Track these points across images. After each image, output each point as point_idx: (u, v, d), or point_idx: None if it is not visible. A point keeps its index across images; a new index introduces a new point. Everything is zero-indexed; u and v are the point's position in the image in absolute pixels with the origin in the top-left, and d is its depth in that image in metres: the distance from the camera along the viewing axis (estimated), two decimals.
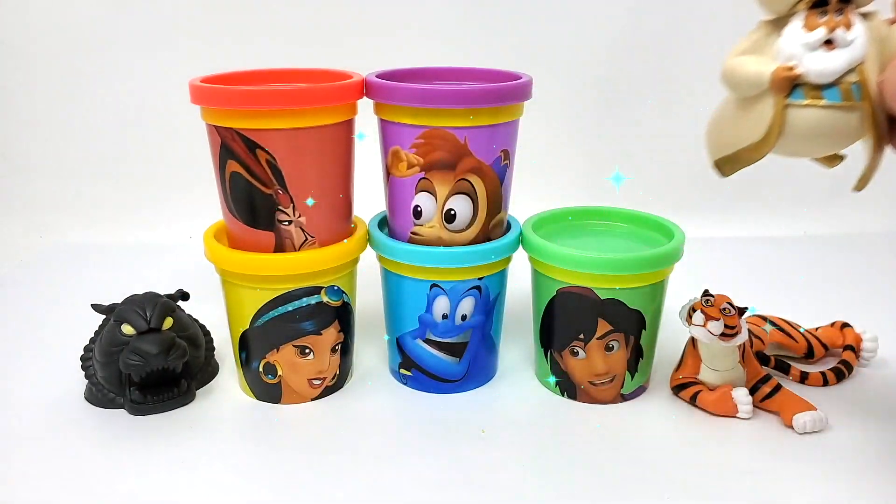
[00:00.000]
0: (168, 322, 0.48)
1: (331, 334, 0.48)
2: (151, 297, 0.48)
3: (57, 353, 0.55)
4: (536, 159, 0.76)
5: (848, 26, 0.25)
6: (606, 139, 0.87)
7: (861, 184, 0.30)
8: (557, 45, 0.84)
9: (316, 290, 0.47)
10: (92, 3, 0.82)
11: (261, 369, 0.49)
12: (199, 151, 0.50)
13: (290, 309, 0.47)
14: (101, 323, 0.50)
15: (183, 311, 0.51)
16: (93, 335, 0.50)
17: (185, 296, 0.51)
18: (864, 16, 0.26)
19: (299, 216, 0.46)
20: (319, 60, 0.54)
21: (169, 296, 0.50)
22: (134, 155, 0.86)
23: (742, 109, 0.28)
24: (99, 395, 0.48)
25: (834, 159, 0.32)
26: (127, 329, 0.46)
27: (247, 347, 0.49)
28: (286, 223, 0.46)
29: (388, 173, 0.49)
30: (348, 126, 0.47)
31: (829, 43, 0.25)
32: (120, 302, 0.48)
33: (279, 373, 0.48)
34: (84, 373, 0.49)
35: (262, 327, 0.47)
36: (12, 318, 0.63)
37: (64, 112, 0.86)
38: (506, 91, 0.45)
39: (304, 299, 0.47)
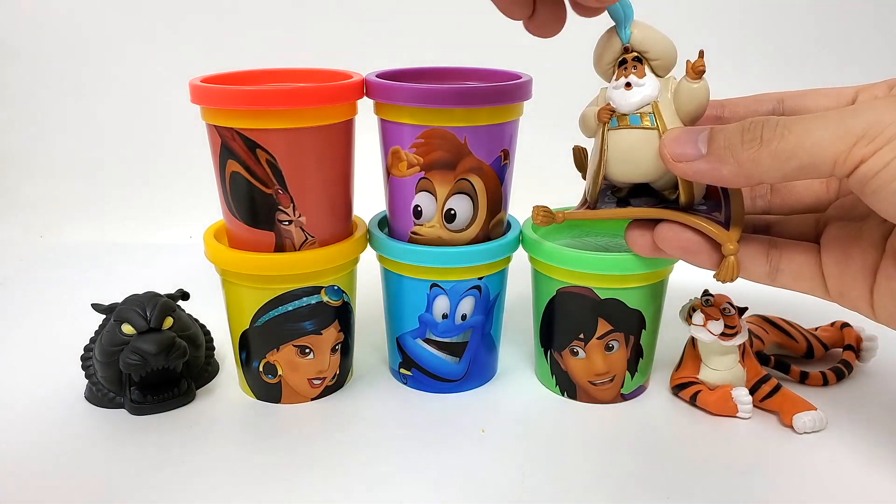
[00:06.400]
0: (168, 322, 0.48)
1: (331, 334, 0.49)
2: (151, 297, 0.48)
3: (57, 353, 0.55)
4: (536, 159, 0.76)
5: (641, 76, 0.39)
6: None
7: (722, 275, 0.39)
8: (557, 44, 0.84)
9: (316, 290, 0.47)
10: (91, 2, 0.82)
11: (261, 369, 0.49)
12: (199, 151, 0.50)
13: (290, 309, 0.47)
14: (101, 323, 0.50)
15: (183, 310, 0.51)
16: (93, 335, 0.50)
17: (185, 295, 0.52)
18: (660, 76, 0.39)
19: (299, 216, 0.46)
20: (319, 60, 0.54)
21: (169, 295, 0.50)
22: (134, 155, 0.86)
23: (593, 147, 0.41)
24: (99, 395, 0.48)
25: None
26: (127, 329, 0.46)
27: (247, 347, 0.49)
28: (286, 223, 0.46)
29: (388, 173, 0.49)
30: (348, 126, 0.47)
31: (629, 86, 0.39)
32: (120, 302, 0.48)
33: (279, 372, 0.49)
34: (84, 372, 0.49)
35: (262, 327, 0.47)
36: (12, 318, 0.63)
37: (64, 112, 0.86)
38: (506, 91, 0.45)
39: (305, 299, 0.47)
